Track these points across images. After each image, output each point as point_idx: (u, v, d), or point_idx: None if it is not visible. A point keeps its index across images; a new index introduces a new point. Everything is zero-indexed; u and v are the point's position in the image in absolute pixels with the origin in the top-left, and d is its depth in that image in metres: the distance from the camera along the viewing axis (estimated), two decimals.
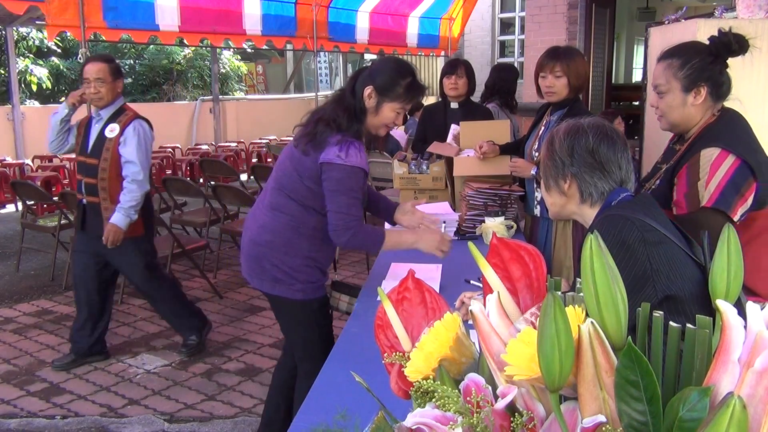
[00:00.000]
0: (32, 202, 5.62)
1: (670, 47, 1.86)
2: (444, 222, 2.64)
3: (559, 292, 0.64)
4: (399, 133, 7.64)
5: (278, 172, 2.22)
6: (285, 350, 2.50)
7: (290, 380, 2.38)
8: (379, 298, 0.78)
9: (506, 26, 10.82)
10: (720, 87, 1.78)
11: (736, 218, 1.67)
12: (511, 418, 0.61)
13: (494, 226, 2.78)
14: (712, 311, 0.59)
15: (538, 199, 2.88)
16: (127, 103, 3.42)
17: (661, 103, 1.83)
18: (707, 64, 1.76)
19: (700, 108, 1.80)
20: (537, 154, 2.87)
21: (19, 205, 6.60)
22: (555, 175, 1.50)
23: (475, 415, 0.61)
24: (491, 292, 0.69)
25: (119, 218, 3.15)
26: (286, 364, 2.43)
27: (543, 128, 2.90)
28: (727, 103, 1.85)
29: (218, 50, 12.28)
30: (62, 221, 4.91)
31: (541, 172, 1.55)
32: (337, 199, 2.08)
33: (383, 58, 2.48)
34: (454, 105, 3.80)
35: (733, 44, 1.76)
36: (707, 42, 1.81)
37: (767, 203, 1.72)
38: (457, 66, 3.74)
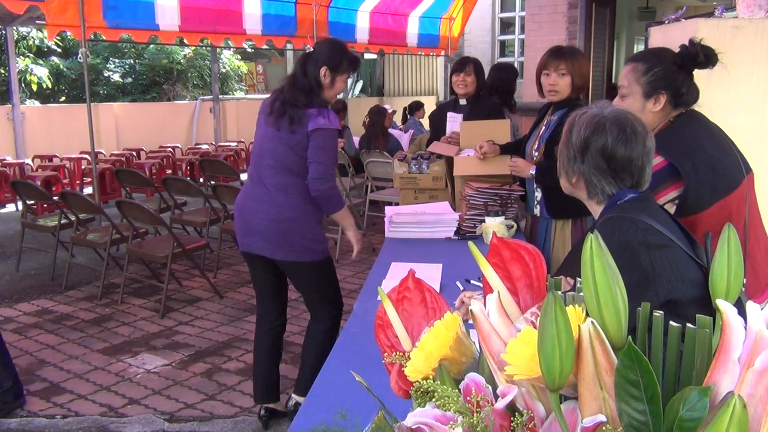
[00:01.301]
0: (32, 202, 5.62)
1: (640, 51, 1.91)
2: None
3: (560, 292, 0.64)
4: (399, 133, 7.65)
5: (273, 157, 2.57)
6: (261, 318, 2.86)
7: (278, 340, 2.86)
8: (379, 298, 0.78)
9: (506, 26, 10.82)
10: (680, 96, 1.81)
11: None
12: (512, 418, 0.61)
13: (494, 225, 2.78)
14: (713, 314, 0.59)
15: (538, 198, 2.89)
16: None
17: (622, 105, 1.84)
18: (671, 73, 1.80)
19: (658, 115, 1.84)
20: (537, 154, 2.87)
21: (19, 204, 6.61)
22: (566, 165, 1.48)
23: (475, 414, 0.61)
24: (491, 291, 0.69)
25: None
26: (268, 329, 2.83)
27: (544, 128, 2.90)
28: (701, 110, 1.88)
29: (218, 50, 12.27)
30: (62, 221, 4.91)
31: (558, 155, 1.52)
32: (322, 155, 2.51)
33: (321, 41, 2.86)
34: (462, 102, 3.81)
35: (699, 56, 1.79)
36: (678, 49, 1.84)
37: (708, 205, 1.74)
38: (465, 64, 3.75)
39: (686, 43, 1.83)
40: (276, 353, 2.86)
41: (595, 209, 1.48)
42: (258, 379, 2.84)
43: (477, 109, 3.70)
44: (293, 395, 2.84)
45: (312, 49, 2.70)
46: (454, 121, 3.92)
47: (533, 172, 2.80)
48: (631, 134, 1.39)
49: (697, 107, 1.88)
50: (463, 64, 3.77)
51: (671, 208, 1.74)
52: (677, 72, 1.80)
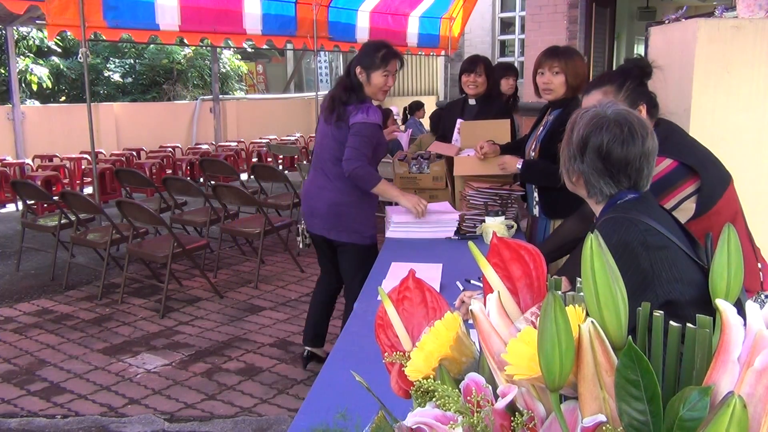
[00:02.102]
0: (32, 202, 5.62)
1: (595, 78, 2.05)
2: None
3: (560, 292, 0.64)
4: (399, 133, 7.65)
5: (328, 150, 2.95)
6: (321, 280, 3.32)
7: (332, 297, 3.31)
8: (379, 298, 0.78)
9: (506, 26, 10.82)
10: (655, 105, 1.92)
11: (667, 205, 1.76)
12: (512, 418, 0.61)
13: (494, 225, 2.78)
14: (713, 314, 0.59)
15: (537, 199, 2.89)
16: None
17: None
18: (638, 86, 1.91)
19: None
20: (533, 154, 2.88)
21: (20, 204, 6.61)
22: (567, 164, 1.47)
23: (475, 414, 0.61)
24: (491, 291, 0.69)
25: None
26: (326, 287, 3.30)
27: (542, 129, 2.90)
28: (672, 117, 1.96)
29: (218, 50, 12.27)
30: (62, 221, 4.91)
31: (561, 152, 1.52)
32: (355, 140, 2.79)
33: (366, 43, 3.16)
34: (471, 101, 3.80)
35: (648, 67, 1.94)
36: (626, 66, 1.98)
37: (719, 196, 1.83)
38: (476, 64, 3.71)
39: (630, 57, 2.00)
40: (329, 308, 3.31)
41: (596, 208, 1.48)
42: (310, 326, 3.31)
43: (486, 110, 3.68)
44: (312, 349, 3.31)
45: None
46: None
47: (519, 166, 2.83)
48: (629, 135, 1.38)
49: (695, 107, 1.91)
50: (473, 63, 3.74)
51: (691, 205, 1.78)
52: (641, 84, 1.92)
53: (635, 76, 1.91)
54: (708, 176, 1.80)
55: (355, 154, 2.78)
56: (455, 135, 3.77)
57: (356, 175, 2.80)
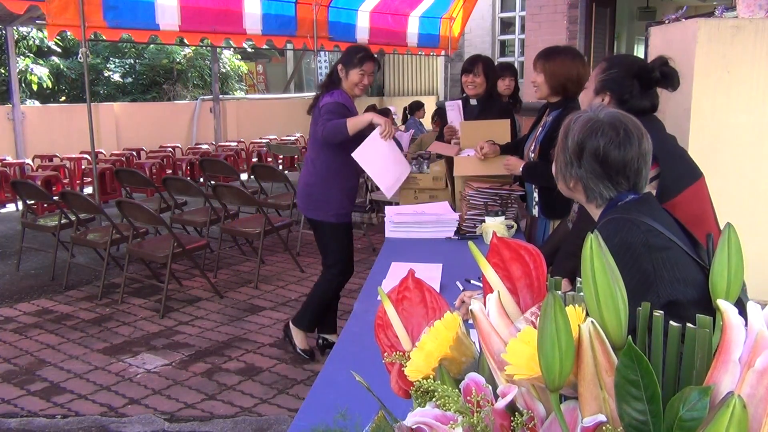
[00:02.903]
0: (32, 202, 5.62)
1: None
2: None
3: (560, 292, 0.64)
4: (399, 133, 7.65)
5: (310, 136, 3.35)
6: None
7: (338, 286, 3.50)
8: (379, 298, 0.78)
9: (506, 26, 10.82)
10: (624, 102, 1.94)
11: None
12: (512, 418, 0.61)
13: (494, 225, 2.78)
14: (714, 315, 0.59)
15: (537, 199, 2.89)
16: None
17: (581, 96, 2.08)
18: (622, 79, 1.94)
19: None
20: (533, 155, 2.88)
21: (20, 204, 6.61)
22: (563, 170, 1.46)
23: (475, 414, 0.61)
24: (491, 291, 0.69)
25: None
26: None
27: (541, 129, 2.90)
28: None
29: (218, 50, 12.27)
30: (62, 221, 4.91)
31: (555, 158, 1.52)
32: (324, 116, 3.14)
33: (348, 46, 3.57)
34: (473, 102, 3.80)
35: (654, 72, 1.95)
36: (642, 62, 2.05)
37: (686, 186, 1.88)
38: (475, 64, 3.72)
39: (660, 58, 2.01)
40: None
41: (595, 212, 1.48)
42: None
43: (487, 110, 3.68)
44: (291, 325, 3.53)
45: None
46: (452, 109, 3.93)
47: (522, 170, 2.83)
48: (624, 137, 1.37)
49: (695, 107, 1.92)
50: (472, 64, 3.74)
51: (652, 189, 1.81)
52: (629, 80, 1.94)
53: (629, 71, 1.96)
54: (669, 165, 1.84)
55: (321, 123, 3.13)
56: (448, 114, 3.87)
57: (327, 132, 3.10)
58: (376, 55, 3.35)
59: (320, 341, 3.56)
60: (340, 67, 3.26)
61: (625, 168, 1.39)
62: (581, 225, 1.89)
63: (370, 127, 3.14)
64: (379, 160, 3.20)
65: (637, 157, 1.39)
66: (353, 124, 3.10)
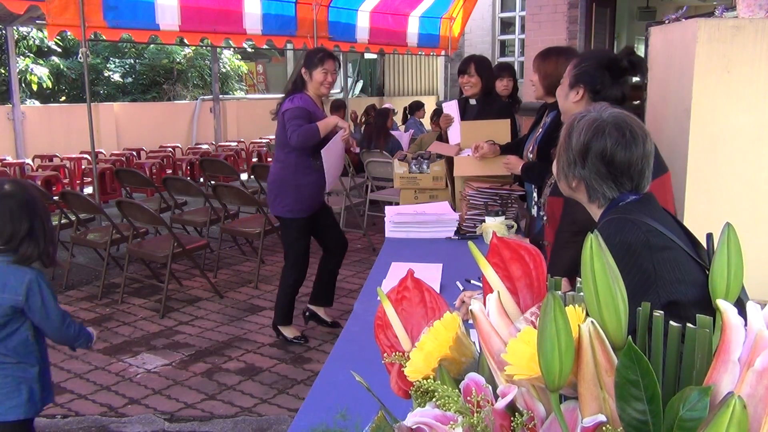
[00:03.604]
0: None
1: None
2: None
3: (559, 292, 0.64)
4: (399, 133, 7.66)
5: (276, 138, 3.59)
6: (322, 249, 3.86)
7: (326, 263, 3.85)
8: (379, 298, 0.78)
9: (506, 26, 10.82)
10: (597, 92, 2.03)
11: None
12: (512, 418, 0.61)
13: (495, 225, 2.78)
14: (715, 315, 0.59)
15: (536, 199, 2.89)
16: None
17: (557, 90, 2.14)
18: (593, 71, 2.03)
19: (578, 105, 2.06)
20: (531, 156, 2.88)
21: None
22: (566, 170, 1.46)
23: (475, 414, 0.61)
24: (491, 291, 0.69)
25: None
26: (324, 256, 3.87)
27: (540, 130, 2.90)
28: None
29: (218, 50, 12.27)
30: (62, 221, 4.91)
31: (556, 158, 1.52)
32: (290, 122, 3.35)
33: (307, 51, 3.84)
34: (472, 101, 3.80)
35: (622, 61, 2.05)
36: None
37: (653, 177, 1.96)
38: (468, 64, 3.72)
39: (628, 47, 2.16)
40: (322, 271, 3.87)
41: (596, 212, 1.48)
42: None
43: (486, 110, 3.68)
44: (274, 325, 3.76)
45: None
46: (449, 109, 3.95)
47: (521, 169, 2.84)
48: (630, 138, 1.38)
49: (695, 107, 1.93)
50: (465, 64, 3.75)
51: None
52: (600, 71, 2.03)
53: (599, 62, 2.05)
54: None
55: (291, 130, 3.35)
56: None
57: (300, 140, 3.33)
58: (334, 53, 3.60)
59: (306, 313, 3.91)
60: (303, 70, 3.46)
61: (629, 169, 1.39)
62: (569, 209, 1.91)
63: (334, 129, 3.48)
64: (334, 158, 3.56)
65: (641, 157, 1.39)
66: (323, 127, 3.39)
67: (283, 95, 3.58)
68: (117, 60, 13.81)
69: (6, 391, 1.98)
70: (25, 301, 1.98)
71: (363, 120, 8.59)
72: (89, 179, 7.36)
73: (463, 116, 3.79)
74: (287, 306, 3.70)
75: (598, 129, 1.40)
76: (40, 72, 12.19)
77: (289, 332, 3.72)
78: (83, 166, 7.88)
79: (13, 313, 1.98)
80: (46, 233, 2.05)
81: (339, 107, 7.27)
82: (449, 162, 3.52)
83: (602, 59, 2.09)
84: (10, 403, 1.98)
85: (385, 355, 0.77)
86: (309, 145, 3.36)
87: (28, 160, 8.08)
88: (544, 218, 2.40)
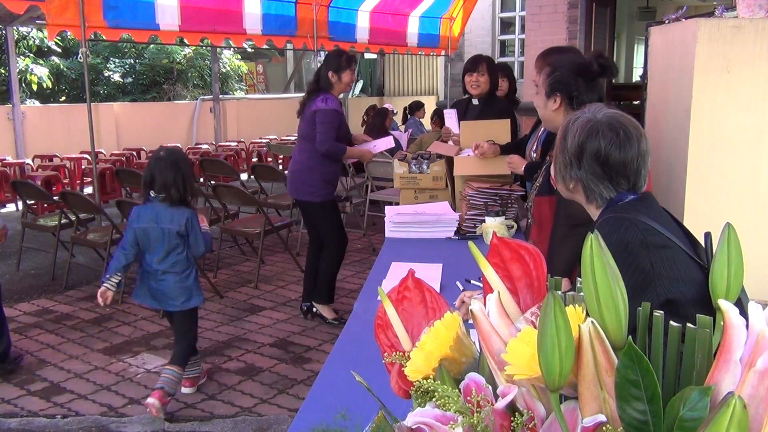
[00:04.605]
0: (32, 202, 5.62)
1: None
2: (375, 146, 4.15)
3: (560, 292, 0.64)
4: (399, 133, 7.66)
5: (300, 131, 3.88)
6: (311, 243, 4.08)
7: (316, 260, 4.01)
8: (379, 298, 0.78)
9: (506, 26, 10.82)
10: (573, 99, 2.07)
11: None
12: (512, 418, 0.61)
13: (495, 225, 2.78)
14: (713, 314, 0.59)
15: None
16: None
17: (534, 99, 2.18)
18: (566, 78, 2.06)
19: (559, 113, 2.11)
20: (535, 155, 2.87)
21: (20, 204, 6.60)
22: (563, 171, 1.47)
23: (475, 414, 0.61)
24: (491, 291, 0.69)
25: None
26: (313, 252, 4.05)
27: (543, 129, 2.90)
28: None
29: (218, 50, 12.26)
30: (62, 221, 4.91)
31: (553, 160, 1.53)
32: (322, 127, 3.66)
33: (329, 53, 3.99)
34: (475, 101, 3.80)
35: (593, 65, 2.09)
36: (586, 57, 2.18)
37: None
38: (479, 63, 3.70)
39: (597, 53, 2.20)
40: (314, 266, 4.05)
41: (594, 213, 1.48)
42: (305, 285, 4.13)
43: (488, 110, 3.67)
44: (315, 304, 4.00)
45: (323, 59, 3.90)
46: (449, 117, 3.94)
47: (524, 169, 2.83)
48: (625, 138, 1.38)
49: (695, 107, 1.93)
50: (475, 63, 3.73)
51: None
52: (573, 78, 2.07)
53: (571, 70, 2.08)
54: None
55: (324, 137, 3.65)
56: (446, 122, 4.00)
57: (329, 152, 3.69)
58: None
59: (305, 306, 4.08)
60: (330, 73, 3.69)
61: (625, 168, 1.39)
62: (563, 204, 1.93)
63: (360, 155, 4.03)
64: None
65: (636, 157, 1.39)
66: (351, 154, 3.91)
67: (307, 93, 3.82)
68: (117, 60, 13.81)
69: (180, 290, 3.01)
70: (185, 229, 2.94)
71: (363, 120, 8.59)
72: (89, 179, 7.36)
73: (465, 116, 3.79)
74: (331, 284, 3.98)
75: (592, 130, 1.41)
76: (40, 72, 12.18)
77: (327, 312, 3.97)
78: (83, 166, 7.88)
79: (179, 238, 2.95)
80: (186, 184, 2.93)
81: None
82: (449, 162, 3.52)
83: (573, 66, 2.13)
84: (182, 298, 3.02)
85: (385, 355, 0.76)
86: (334, 157, 3.77)
87: (28, 160, 8.08)
88: (530, 219, 2.43)
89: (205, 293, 4.55)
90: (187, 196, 2.96)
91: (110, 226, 4.53)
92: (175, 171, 2.90)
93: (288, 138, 11.11)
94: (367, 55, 14.29)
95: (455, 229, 2.99)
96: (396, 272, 2.42)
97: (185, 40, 7.43)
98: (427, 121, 8.87)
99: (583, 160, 1.41)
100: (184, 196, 2.93)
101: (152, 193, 2.94)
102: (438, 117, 7.15)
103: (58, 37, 9.15)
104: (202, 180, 7.36)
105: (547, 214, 2.25)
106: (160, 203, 2.92)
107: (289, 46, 7.72)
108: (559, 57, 2.26)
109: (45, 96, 12.60)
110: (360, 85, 15.66)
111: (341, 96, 3.94)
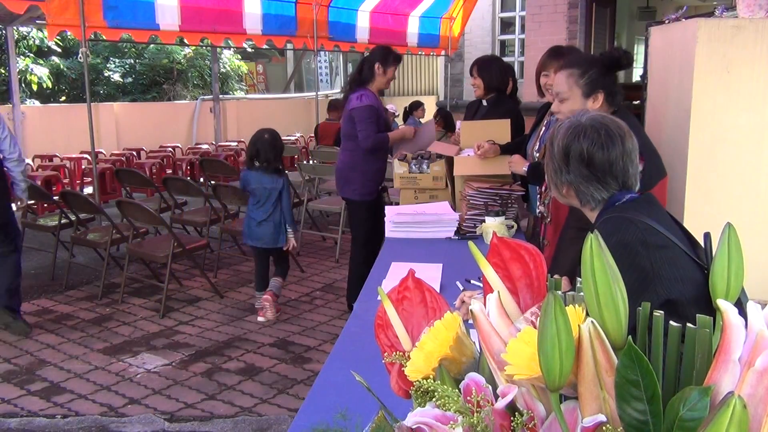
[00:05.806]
0: (32, 202, 5.61)
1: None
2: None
3: (560, 292, 0.64)
4: None
5: (342, 130, 4.03)
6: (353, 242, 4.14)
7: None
8: (379, 298, 0.78)
9: (506, 26, 10.81)
10: (614, 95, 2.08)
11: None
12: (512, 418, 0.61)
13: (495, 225, 2.78)
14: (713, 314, 0.59)
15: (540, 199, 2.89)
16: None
17: (564, 108, 2.11)
18: (602, 75, 2.07)
19: (601, 111, 2.09)
20: (538, 154, 2.87)
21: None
22: (554, 177, 1.49)
23: (475, 414, 0.61)
24: (491, 291, 0.69)
25: None
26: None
27: (543, 128, 2.90)
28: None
29: (218, 49, 12.26)
30: (62, 221, 4.90)
31: (545, 168, 1.55)
32: (362, 124, 3.78)
33: (377, 46, 4.07)
34: (484, 102, 3.84)
35: (622, 59, 2.11)
36: (599, 55, 2.17)
37: (657, 180, 2.00)
38: (472, 67, 3.82)
39: (609, 48, 2.15)
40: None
41: (590, 215, 1.49)
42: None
43: (495, 110, 3.69)
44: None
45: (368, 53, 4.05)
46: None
47: (525, 169, 2.83)
48: (606, 137, 1.40)
49: (695, 107, 1.96)
50: (471, 67, 3.84)
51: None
52: (607, 74, 2.07)
53: (601, 66, 2.07)
54: (652, 161, 1.96)
55: (365, 134, 3.77)
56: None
57: (373, 147, 3.80)
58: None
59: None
60: (377, 65, 3.81)
61: (611, 168, 1.41)
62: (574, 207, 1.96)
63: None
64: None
65: (621, 155, 1.41)
66: (393, 139, 3.95)
67: (346, 87, 4.03)
68: (117, 60, 13.81)
69: (279, 231, 4.03)
70: (281, 190, 3.96)
71: None
72: (89, 179, 7.36)
73: (475, 117, 3.83)
74: (352, 284, 4.02)
75: (575, 132, 1.44)
76: (40, 72, 12.18)
77: None
78: (83, 166, 7.88)
79: (278, 195, 3.97)
80: (276, 156, 4.03)
81: (336, 107, 7.27)
82: (449, 162, 3.52)
83: (604, 62, 2.11)
84: (278, 237, 4.03)
85: (385, 354, 0.77)
86: (379, 149, 3.87)
87: (28, 160, 8.06)
88: (548, 218, 2.41)
89: (205, 293, 4.58)
90: (280, 165, 4.00)
91: (110, 226, 4.53)
92: (274, 147, 3.98)
93: (288, 138, 11.10)
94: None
95: (455, 229, 2.99)
96: (396, 272, 2.42)
97: (185, 40, 7.42)
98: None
99: (570, 163, 1.44)
100: (275, 168, 3.97)
101: (257, 163, 3.98)
102: (441, 117, 7.14)
103: (58, 37, 9.15)
104: (202, 180, 7.36)
105: (566, 214, 2.26)
106: (264, 171, 3.96)
107: (289, 46, 7.72)
108: (578, 56, 2.28)
109: (45, 96, 12.60)
110: None
111: (342, 96, 4.05)
